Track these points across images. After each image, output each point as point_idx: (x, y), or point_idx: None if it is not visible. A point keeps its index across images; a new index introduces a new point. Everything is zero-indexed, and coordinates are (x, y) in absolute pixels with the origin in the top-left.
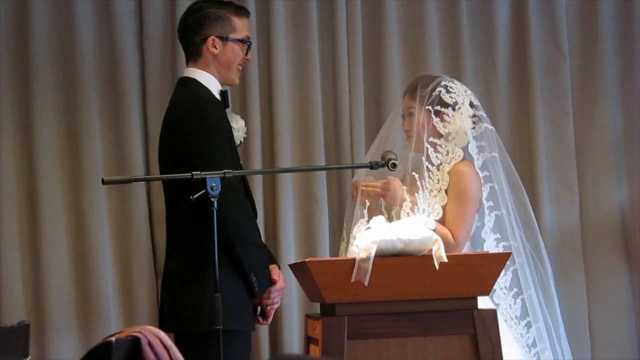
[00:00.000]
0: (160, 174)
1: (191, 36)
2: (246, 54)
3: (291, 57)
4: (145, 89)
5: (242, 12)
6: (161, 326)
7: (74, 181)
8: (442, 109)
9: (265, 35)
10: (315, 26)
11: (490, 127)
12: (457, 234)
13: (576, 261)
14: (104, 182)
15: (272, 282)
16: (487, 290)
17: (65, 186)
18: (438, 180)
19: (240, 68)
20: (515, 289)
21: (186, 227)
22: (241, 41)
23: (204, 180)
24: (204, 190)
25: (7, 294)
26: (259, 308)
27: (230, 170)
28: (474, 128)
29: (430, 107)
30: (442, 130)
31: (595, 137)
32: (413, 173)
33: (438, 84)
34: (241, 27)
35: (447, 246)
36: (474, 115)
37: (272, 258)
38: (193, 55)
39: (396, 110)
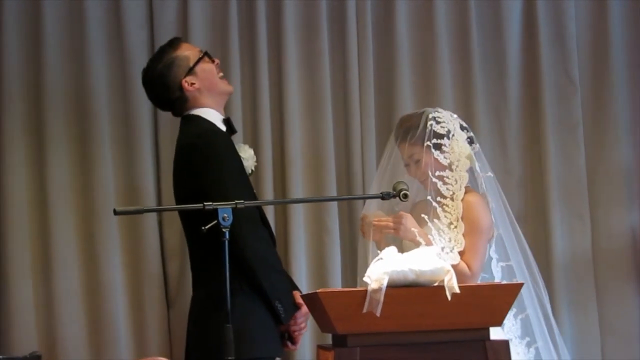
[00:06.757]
0: (179, 213)
1: (169, 98)
2: (212, 60)
3: (302, 87)
4: (157, 119)
5: (175, 42)
6: (187, 357)
7: (85, 211)
8: (439, 141)
9: (277, 66)
10: (326, 56)
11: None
12: (472, 264)
13: (588, 291)
14: (115, 212)
15: (297, 308)
16: (499, 321)
17: (77, 216)
18: (454, 210)
19: (222, 74)
20: (515, 309)
21: (207, 260)
22: (200, 59)
23: (215, 211)
24: (215, 222)
25: (20, 325)
26: (286, 334)
27: (242, 201)
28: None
29: (428, 143)
30: (445, 162)
31: (607, 167)
32: (423, 215)
33: (427, 119)
34: (189, 51)
35: (463, 277)
36: (467, 137)
37: (293, 284)
38: (185, 105)
39: (392, 145)
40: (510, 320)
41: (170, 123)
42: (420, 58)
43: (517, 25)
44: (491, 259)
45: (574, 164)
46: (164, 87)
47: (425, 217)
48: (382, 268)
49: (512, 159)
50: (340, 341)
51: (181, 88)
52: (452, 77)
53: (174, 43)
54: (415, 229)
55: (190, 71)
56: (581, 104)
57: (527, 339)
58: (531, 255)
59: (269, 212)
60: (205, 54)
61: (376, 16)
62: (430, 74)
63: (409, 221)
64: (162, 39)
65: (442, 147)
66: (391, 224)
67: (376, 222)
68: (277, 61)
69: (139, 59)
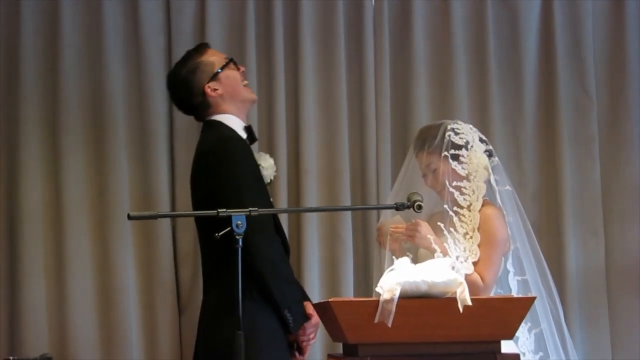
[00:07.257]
0: (194, 218)
1: (192, 103)
2: (238, 68)
3: (318, 97)
4: (172, 125)
5: (202, 48)
6: None
7: (100, 216)
8: (457, 152)
9: (293, 76)
10: (342, 67)
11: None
12: (486, 276)
13: (601, 306)
14: (129, 217)
15: (307, 318)
16: (510, 334)
17: (91, 220)
18: (470, 220)
19: (246, 82)
20: (529, 323)
21: (219, 265)
22: (226, 65)
23: (229, 217)
24: (229, 228)
25: (31, 326)
26: (295, 343)
27: (256, 209)
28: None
29: (446, 153)
30: (463, 172)
31: (622, 183)
32: (439, 223)
33: (445, 129)
34: (214, 57)
35: (476, 288)
36: (486, 150)
37: (305, 294)
38: (207, 111)
39: (411, 156)
40: (524, 334)
41: (185, 128)
42: (436, 70)
43: (533, 37)
44: (508, 272)
45: (589, 179)
46: (187, 92)
47: (442, 225)
48: (395, 279)
49: (526, 173)
50: (351, 350)
51: (204, 93)
52: (468, 88)
53: (200, 48)
54: (431, 236)
55: (214, 77)
56: (597, 118)
57: (540, 354)
58: (548, 270)
59: (283, 221)
60: (231, 60)
61: (393, 26)
62: (446, 85)
63: (424, 228)
64: (179, 45)
65: (460, 157)
66: (407, 230)
67: (393, 229)
68: (293, 70)
69: (156, 64)
